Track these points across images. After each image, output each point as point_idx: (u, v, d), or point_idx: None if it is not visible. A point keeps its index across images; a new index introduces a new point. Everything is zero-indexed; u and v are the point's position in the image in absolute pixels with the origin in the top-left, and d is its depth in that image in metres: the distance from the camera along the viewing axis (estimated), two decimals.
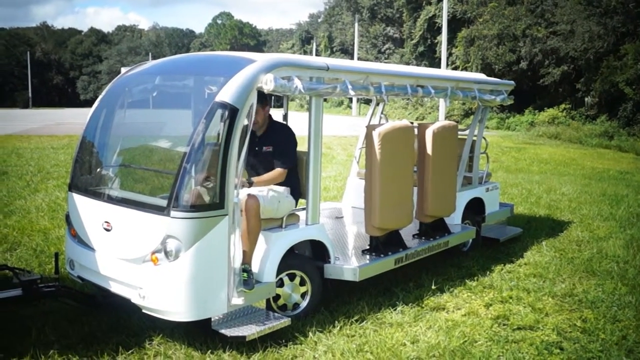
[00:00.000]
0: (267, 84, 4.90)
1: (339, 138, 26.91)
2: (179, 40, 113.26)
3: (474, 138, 8.32)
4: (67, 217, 5.76)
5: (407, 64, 48.15)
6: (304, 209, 5.88)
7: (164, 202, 4.73)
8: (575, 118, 33.70)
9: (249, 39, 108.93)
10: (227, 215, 4.76)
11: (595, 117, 32.50)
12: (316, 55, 69.57)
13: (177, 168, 4.73)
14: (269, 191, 5.53)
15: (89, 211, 5.39)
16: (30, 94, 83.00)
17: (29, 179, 13.52)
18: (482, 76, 8.70)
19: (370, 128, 6.16)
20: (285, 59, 5.32)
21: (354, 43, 59.38)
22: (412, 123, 6.73)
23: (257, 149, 5.82)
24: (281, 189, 5.66)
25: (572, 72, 34.32)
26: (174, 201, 4.65)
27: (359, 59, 58.13)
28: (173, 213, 4.65)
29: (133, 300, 4.93)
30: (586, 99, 33.69)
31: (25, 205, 10.64)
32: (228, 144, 4.71)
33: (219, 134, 4.72)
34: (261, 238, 5.40)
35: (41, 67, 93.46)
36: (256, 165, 5.80)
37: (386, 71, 6.51)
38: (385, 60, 55.52)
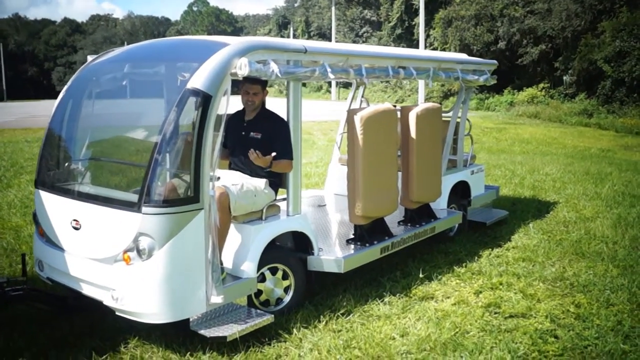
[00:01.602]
0: (242, 68, 4.60)
1: (319, 123, 26.62)
2: (154, 29, 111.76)
3: (458, 120, 8.08)
4: (35, 216, 5.45)
5: (385, 46, 47.85)
6: (284, 199, 5.59)
7: (134, 198, 4.42)
8: (554, 97, 33.69)
9: (226, 25, 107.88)
10: (202, 209, 4.48)
11: (574, 96, 32.50)
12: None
13: (147, 161, 4.43)
14: (244, 184, 5.23)
15: (56, 209, 5.08)
16: (4, 87, 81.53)
17: (0, 174, 13.10)
18: (464, 56, 8.46)
19: (351, 112, 5.89)
20: (260, 41, 5.02)
21: (331, 27, 58.82)
22: (394, 106, 6.47)
23: (243, 133, 5.54)
24: (260, 181, 5.38)
25: (550, 51, 34.27)
26: (145, 196, 4.35)
27: (336, 42, 57.67)
28: (144, 209, 4.36)
29: (105, 303, 4.64)
30: (565, 78, 33.70)
31: None
32: (202, 133, 4.42)
33: (191, 123, 4.43)
34: (240, 231, 5.14)
35: (15, 59, 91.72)
36: (241, 151, 5.48)
37: (367, 52, 6.26)
38: (363, 44, 55.19)
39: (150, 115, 4.81)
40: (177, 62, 5.09)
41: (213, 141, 4.52)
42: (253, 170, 5.42)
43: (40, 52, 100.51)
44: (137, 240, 4.41)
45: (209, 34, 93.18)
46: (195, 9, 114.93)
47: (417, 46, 38.89)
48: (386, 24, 53.45)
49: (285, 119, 5.42)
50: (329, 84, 57.32)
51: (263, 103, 5.61)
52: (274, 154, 5.20)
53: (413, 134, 6.66)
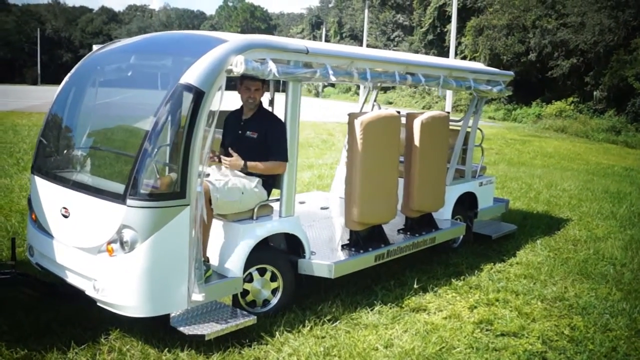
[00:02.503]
0: (237, 66, 4.55)
1: (343, 125, 26.46)
2: (189, 22, 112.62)
3: (468, 130, 7.95)
4: (29, 201, 5.45)
5: (416, 52, 47.66)
6: (279, 199, 5.52)
7: (121, 189, 4.39)
8: (583, 112, 33.18)
9: (260, 22, 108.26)
10: (188, 205, 4.43)
11: (604, 112, 32.00)
12: (326, 41, 68.99)
13: (135, 153, 4.39)
14: (230, 181, 5.14)
15: (48, 196, 5.08)
16: (39, 71, 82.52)
17: (19, 157, 13.23)
18: (479, 65, 8.33)
19: (352, 116, 5.81)
20: (258, 39, 4.96)
21: (363, 29, 58.65)
22: (398, 112, 6.37)
23: (240, 132, 5.47)
24: (251, 180, 5.31)
25: (581, 65, 33.76)
26: (131, 188, 4.32)
27: (368, 45, 57.61)
28: (129, 201, 4.32)
29: (87, 293, 4.62)
30: (595, 93, 33.19)
31: (10, 184, 10.37)
32: (192, 129, 4.37)
33: (182, 119, 4.38)
34: (229, 230, 5.08)
35: (51, 44, 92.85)
36: (237, 150, 5.41)
37: (372, 57, 6.14)
38: (394, 48, 54.97)
39: (143, 108, 4.77)
40: (174, 56, 5.05)
41: (204, 137, 4.47)
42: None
43: (76, 39, 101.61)
44: (120, 232, 4.38)
45: (243, 30, 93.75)
46: (230, 4, 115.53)
47: (448, 53, 38.56)
48: (418, 29, 53.23)
49: (292, 119, 5.34)
50: (357, 86, 57.19)
51: (260, 102, 5.55)
52: (241, 161, 5.16)
53: (417, 141, 6.56)
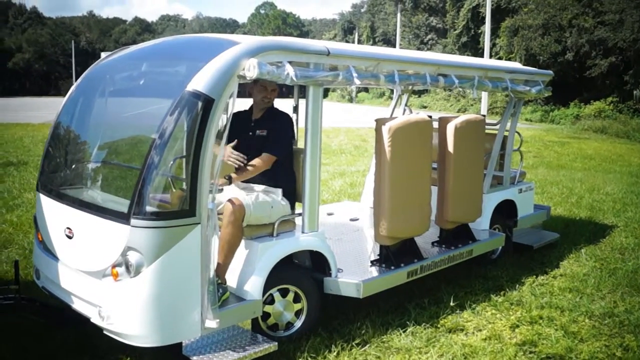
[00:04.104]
0: (250, 70, 4.15)
1: None
2: (222, 30, 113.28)
3: (506, 133, 7.46)
4: (35, 220, 5.13)
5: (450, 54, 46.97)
6: (301, 214, 5.11)
7: (124, 208, 4.02)
8: (623, 111, 32.22)
9: (292, 29, 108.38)
10: (199, 224, 4.04)
11: None
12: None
13: (139, 168, 4.02)
14: (260, 194, 4.80)
15: (52, 215, 4.75)
16: (73, 81, 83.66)
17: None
18: (516, 65, 7.83)
19: (379, 122, 5.38)
20: (273, 41, 4.55)
21: (396, 33, 58.11)
22: (430, 117, 5.93)
23: (250, 133, 5.12)
24: (275, 191, 4.93)
25: (620, 63, 32.79)
26: (135, 207, 3.94)
27: (401, 49, 57.12)
28: (134, 221, 3.94)
29: (93, 320, 4.26)
30: (635, 92, 32.22)
31: (33, 198, 10.14)
32: (201, 140, 3.99)
33: (190, 129, 4.01)
34: (247, 248, 4.68)
35: (86, 55, 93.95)
36: (248, 151, 5.03)
37: (400, 57, 5.71)
38: (428, 51, 54.31)
39: (150, 117, 4.39)
40: (183, 61, 4.67)
41: (215, 149, 4.10)
42: (266, 179, 4.99)
43: (110, 50, 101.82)
44: (125, 254, 4.01)
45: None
46: (262, 11, 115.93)
47: (482, 55, 37.86)
48: (452, 31, 52.51)
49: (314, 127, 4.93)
50: (392, 90, 56.74)
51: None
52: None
53: (451, 147, 6.10)
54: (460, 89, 6.23)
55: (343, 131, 25.30)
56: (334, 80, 4.83)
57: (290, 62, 4.50)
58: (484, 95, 33.43)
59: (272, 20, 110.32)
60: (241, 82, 4.26)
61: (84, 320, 4.55)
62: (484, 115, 6.77)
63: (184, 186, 4.03)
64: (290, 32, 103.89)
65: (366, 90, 65.50)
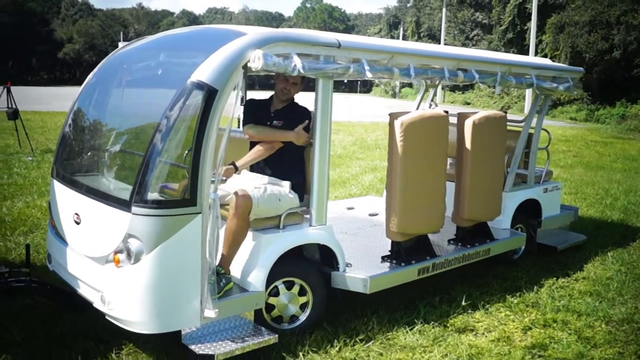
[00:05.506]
0: (255, 61, 4.13)
1: None
2: (267, 24, 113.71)
3: (531, 131, 7.29)
4: (49, 206, 5.22)
5: (495, 50, 46.24)
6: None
7: (126, 195, 4.05)
8: None
9: (338, 23, 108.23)
10: (200, 213, 4.05)
11: None
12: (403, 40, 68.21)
13: (142, 156, 4.05)
14: (268, 187, 4.79)
15: (63, 200, 4.82)
16: None
17: None
18: (545, 61, 7.64)
19: (392, 117, 5.30)
20: (280, 32, 4.52)
21: (441, 28, 57.52)
22: (446, 112, 5.82)
23: (268, 123, 5.13)
24: (284, 184, 4.92)
25: None
26: (136, 195, 3.97)
27: (445, 44, 56.54)
28: (134, 209, 3.97)
29: (95, 305, 4.31)
30: None
31: None
32: (203, 130, 3.99)
33: (193, 119, 4.01)
34: (252, 239, 4.67)
35: None
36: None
37: (416, 51, 5.61)
38: (473, 47, 53.65)
39: (154, 108, 4.41)
40: (192, 52, 4.68)
41: (218, 140, 4.10)
42: (275, 171, 4.98)
43: None
44: (126, 241, 4.04)
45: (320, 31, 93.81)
46: (308, 5, 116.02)
47: (527, 52, 37.20)
48: (497, 27, 51.66)
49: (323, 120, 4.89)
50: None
51: (293, 97, 5.18)
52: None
53: (468, 143, 5.99)
54: (482, 85, 6.11)
55: (381, 126, 25.14)
56: (345, 73, 4.78)
57: (299, 55, 4.47)
58: (528, 92, 32.86)
59: (318, 14, 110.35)
60: (249, 73, 4.25)
61: (90, 305, 4.62)
62: (505, 112, 6.62)
63: (186, 176, 4.04)
64: (335, 26, 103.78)
65: (410, 85, 64.97)
